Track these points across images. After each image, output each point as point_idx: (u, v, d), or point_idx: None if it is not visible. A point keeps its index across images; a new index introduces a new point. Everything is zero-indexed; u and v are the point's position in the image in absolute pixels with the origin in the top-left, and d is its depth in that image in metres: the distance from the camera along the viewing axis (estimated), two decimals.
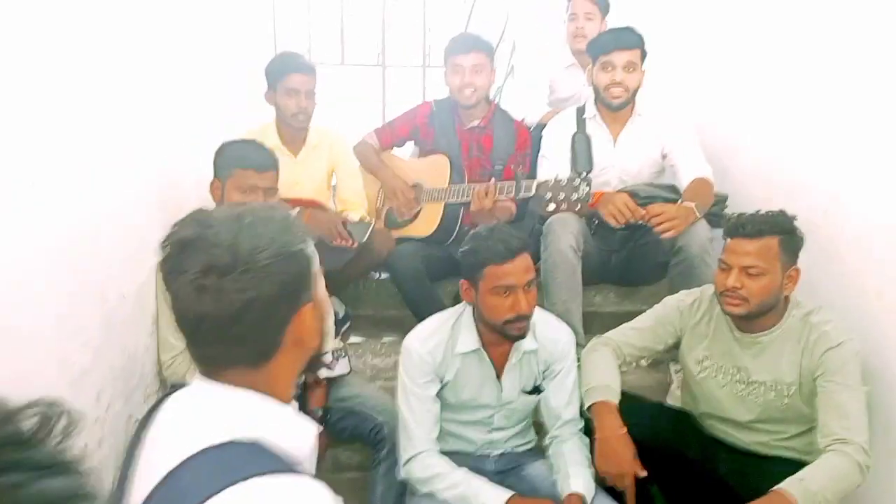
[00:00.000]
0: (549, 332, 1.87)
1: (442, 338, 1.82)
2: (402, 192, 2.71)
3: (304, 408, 2.07)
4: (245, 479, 0.74)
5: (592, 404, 1.78)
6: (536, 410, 1.94)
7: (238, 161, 1.99)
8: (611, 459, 1.70)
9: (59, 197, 1.45)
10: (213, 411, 0.85)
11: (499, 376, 1.85)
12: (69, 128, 1.51)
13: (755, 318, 1.78)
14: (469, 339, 1.81)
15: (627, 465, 1.68)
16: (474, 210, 2.45)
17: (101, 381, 1.66)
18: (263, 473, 0.76)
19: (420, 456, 1.79)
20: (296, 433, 0.88)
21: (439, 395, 1.85)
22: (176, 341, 1.94)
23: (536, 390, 1.89)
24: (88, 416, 1.60)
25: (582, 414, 1.87)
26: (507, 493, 1.71)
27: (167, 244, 0.86)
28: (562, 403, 1.87)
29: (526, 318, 1.71)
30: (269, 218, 0.89)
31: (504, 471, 1.93)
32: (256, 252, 0.84)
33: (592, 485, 1.77)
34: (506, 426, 1.92)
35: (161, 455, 0.82)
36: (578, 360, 1.95)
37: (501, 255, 1.65)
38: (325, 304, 0.97)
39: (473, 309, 1.81)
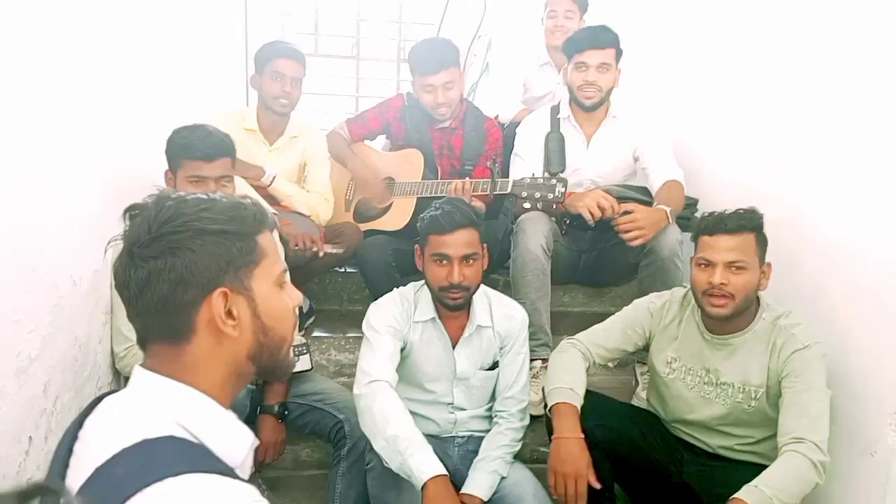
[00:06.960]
0: (503, 309, 1.95)
1: (405, 305, 1.92)
2: (373, 183, 2.67)
3: (262, 403, 2.02)
4: (175, 475, 0.72)
5: (554, 405, 1.76)
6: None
7: (184, 150, 1.88)
8: (566, 461, 1.67)
9: (8, 180, 1.38)
10: (147, 405, 0.82)
11: (454, 348, 1.91)
12: (20, 110, 1.44)
13: (732, 317, 1.77)
14: (426, 308, 1.91)
15: (583, 467, 1.65)
16: None
17: (49, 371, 1.59)
18: (195, 471, 0.74)
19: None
20: (231, 438, 0.86)
21: (401, 368, 1.88)
22: (129, 333, 1.87)
23: (494, 367, 1.95)
24: (35, 407, 1.53)
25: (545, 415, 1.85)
26: (440, 469, 1.61)
27: (125, 212, 0.88)
28: (510, 377, 1.93)
29: (460, 288, 1.80)
30: (209, 199, 0.88)
31: (468, 456, 1.93)
32: (165, 224, 0.83)
33: (490, 487, 1.79)
34: (466, 406, 1.96)
35: (93, 449, 0.79)
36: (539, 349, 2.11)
37: (442, 227, 1.79)
38: (271, 303, 0.91)
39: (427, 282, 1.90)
